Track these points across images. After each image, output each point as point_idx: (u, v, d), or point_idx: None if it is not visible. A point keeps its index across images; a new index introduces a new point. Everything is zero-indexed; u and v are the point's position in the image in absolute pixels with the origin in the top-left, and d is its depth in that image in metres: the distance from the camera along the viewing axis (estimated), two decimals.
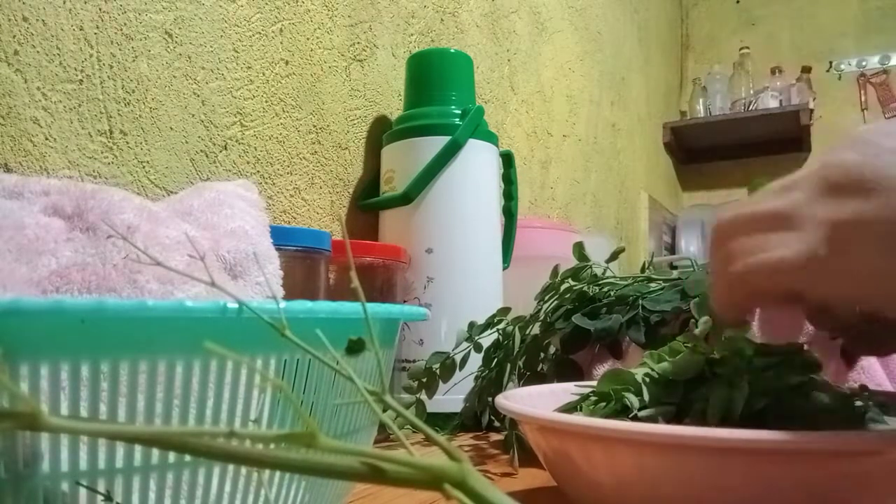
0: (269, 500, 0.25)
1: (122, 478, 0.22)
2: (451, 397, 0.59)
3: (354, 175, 0.81)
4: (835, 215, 0.27)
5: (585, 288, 0.59)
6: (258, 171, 0.68)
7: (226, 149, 0.65)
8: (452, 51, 0.82)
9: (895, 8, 2.36)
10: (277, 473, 0.25)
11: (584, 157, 1.55)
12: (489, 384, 0.58)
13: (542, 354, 0.59)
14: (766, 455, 0.26)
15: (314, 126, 0.75)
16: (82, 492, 0.21)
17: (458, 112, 0.75)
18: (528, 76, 1.27)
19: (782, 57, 2.48)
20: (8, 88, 0.48)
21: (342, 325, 0.26)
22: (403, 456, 0.16)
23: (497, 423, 0.60)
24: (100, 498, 0.21)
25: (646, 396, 0.34)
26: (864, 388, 0.36)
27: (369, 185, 0.81)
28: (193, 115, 0.62)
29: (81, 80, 0.53)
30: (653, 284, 0.58)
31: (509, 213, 0.83)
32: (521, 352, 0.57)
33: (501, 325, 0.59)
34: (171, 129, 0.60)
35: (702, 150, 2.55)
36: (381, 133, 0.82)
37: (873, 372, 0.50)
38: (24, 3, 0.49)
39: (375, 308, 0.29)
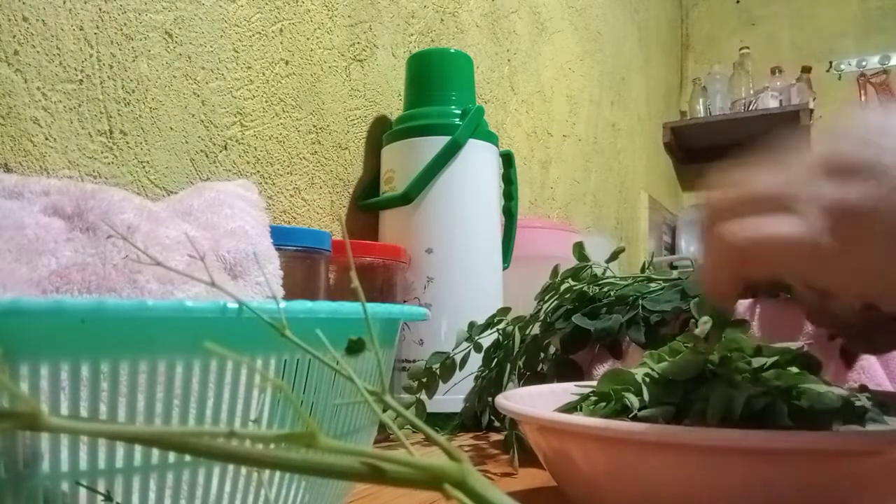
0: (269, 500, 0.25)
1: (122, 478, 0.22)
2: (451, 397, 0.59)
3: (354, 175, 0.81)
4: (840, 200, 0.25)
5: (585, 288, 0.59)
6: (258, 171, 0.68)
7: (226, 149, 0.65)
8: (452, 51, 0.82)
9: (895, 8, 2.36)
10: (277, 473, 0.25)
11: (584, 157, 1.55)
12: (489, 384, 0.58)
13: (542, 354, 0.59)
14: (765, 455, 0.26)
15: (314, 126, 0.75)
16: (82, 492, 0.21)
17: (458, 112, 0.75)
18: (528, 76, 1.27)
19: (782, 57, 2.48)
20: (8, 88, 0.48)
21: (342, 325, 0.26)
22: (403, 456, 0.16)
23: (497, 423, 0.60)
24: (100, 498, 0.21)
25: (646, 396, 0.34)
26: (864, 388, 0.36)
27: (369, 185, 0.82)
28: (193, 115, 0.62)
29: (81, 80, 0.53)
30: (653, 284, 0.58)
31: (509, 213, 0.83)
32: (521, 352, 0.57)
33: (501, 325, 0.59)
34: (171, 129, 0.60)
35: (702, 150, 2.55)
36: (381, 133, 0.82)
37: (873, 372, 0.50)
38: (24, 3, 0.49)
39: (375, 308, 0.29)
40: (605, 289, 0.59)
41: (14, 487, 0.20)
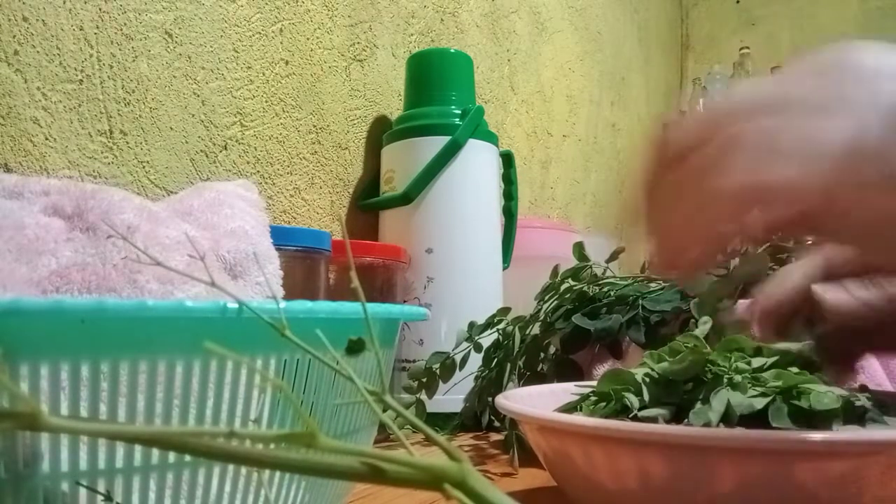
0: (269, 500, 0.25)
1: (122, 478, 0.22)
2: (451, 397, 0.59)
3: (354, 175, 0.81)
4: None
5: (585, 288, 0.59)
6: (258, 171, 0.68)
7: (226, 149, 0.65)
8: (452, 51, 0.82)
9: (895, 8, 2.36)
10: (277, 473, 0.25)
11: (584, 157, 1.55)
12: (489, 384, 0.58)
13: (542, 354, 0.59)
14: (764, 455, 0.26)
15: (314, 126, 0.75)
16: (82, 492, 0.21)
17: (458, 112, 0.75)
18: (528, 76, 1.27)
19: (782, 57, 2.48)
20: (8, 88, 0.48)
21: (342, 325, 0.26)
22: (403, 456, 0.16)
23: (497, 423, 0.60)
24: (100, 498, 0.21)
25: (646, 396, 0.34)
26: (864, 388, 0.36)
27: (369, 185, 0.81)
28: (193, 115, 0.62)
29: (81, 80, 0.53)
30: (653, 284, 0.58)
31: (509, 213, 0.83)
32: (521, 352, 0.57)
33: (501, 325, 0.59)
34: (171, 129, 0.60)
35: None
36: (381, 133, 0.82)
37: (873, 372, 0.50)
38: (24, 3, 0.49)
39: (375, 308, 0.29)
40: (605, 289, 0.59)
41: (14, 487, 0.20)
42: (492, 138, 0.78)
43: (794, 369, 0.33)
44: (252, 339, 0.23)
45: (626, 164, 1.85)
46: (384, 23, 0.87)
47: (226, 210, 0.46)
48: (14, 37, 0.48)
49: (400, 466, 0.15)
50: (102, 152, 0.54)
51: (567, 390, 0.41)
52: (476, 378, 0.60)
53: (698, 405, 0.32)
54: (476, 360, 0.58)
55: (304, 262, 0.54)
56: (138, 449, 0.22)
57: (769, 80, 0.23)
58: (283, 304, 0.23)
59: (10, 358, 0.19)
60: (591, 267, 0.61)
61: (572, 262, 0.62)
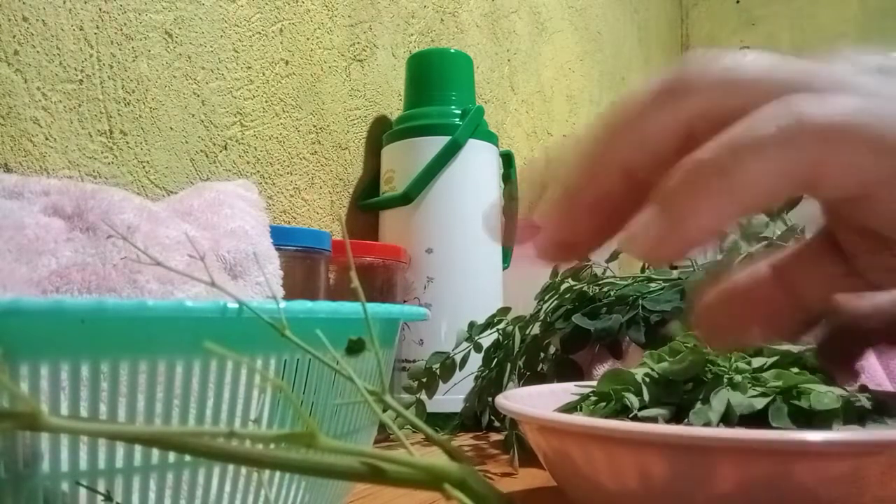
0: (269, 500, 0.25)
1: (122, 478, 0.22)
2: (451, 397, 0.59)
3: (354, 175, 0.81)
4: None
5: (585, 288, 0.59)
6: (258, 171, 0.68)
7: (226, 149, 0.65)
8: (452, 51, 0.82)
9: (895, 8, 2.36)
10: (277, 473, 0.25)
11: None
12: (489, 384, 0.58)
13: (542, 354, 0.59)
14: (764, 455, 0.26)
15: (314, 126, 0.75)
16: (82, 492, 0.21)
17: (458, 112, 0.75)
18: (528, 76, 1.27)
19: None
20: (8, 88, 0.48)
21: (342, 325, 0.26)
22: (403, 456, 0.16)
23: (497, 423, 0.60)
24: (100, 498, 0.21)
25: (646, 396, 0.34)
26: (864, 388, 0.36)
27: (369, 185, 0.82)
28: (193, 115, 0.62)
29: (81, 80, 0.53)
30: (653, 284, 0.58)
31: (509, 213, 0.83)
32: (521, 352, 0.57)
33: (501, 325, 0.59)
34: (171, 129, 0.60)
35: None
36: (381, 133, 0.82)
37: (873, 372, 0.50)
38: (24, 3, 0.49)
39: (375, 308, 0.29)
40: (605, 289, 0.59)
41: (14, 487, 0.20)
42: (492, 138, 0.78)
43: (795, 369, 0.33)
44: (252, 339, 0.23)
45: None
46: (384, 23, 0.87)
47: (226, 210, 0.46)
48: (14, 37, 0.48)
49: (400, 466, 0.15)
50: (102, 152, 0.54)
51: (567, 390, 0.41)
52: (476, 378, 0.60)
53: (698, 405, 0.32)
54: (476, 360, 0.58)
55: (304, 262, 0.54)
56: (138, 449, 0.22)
57: (807, 59, 0.21)
58: (283, 304, 0.23)
59: (10, 358, 0.19)
60: (591, 267, 0.61)
61: (572, 262, 0.62)
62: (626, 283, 0.59)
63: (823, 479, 0.26)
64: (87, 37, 0.53)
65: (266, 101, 0.69)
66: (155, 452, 0.22)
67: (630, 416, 0.34)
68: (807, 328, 0.27)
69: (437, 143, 0.73)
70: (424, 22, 0.95)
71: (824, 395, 0.31)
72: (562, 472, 0.34)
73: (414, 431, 0.20)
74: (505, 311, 0.59)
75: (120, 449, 0.22)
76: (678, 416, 0.33)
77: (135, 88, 0.57)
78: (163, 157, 0.59)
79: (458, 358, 0.56)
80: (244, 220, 0.46)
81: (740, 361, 0.34)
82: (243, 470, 0.24)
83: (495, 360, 0.58)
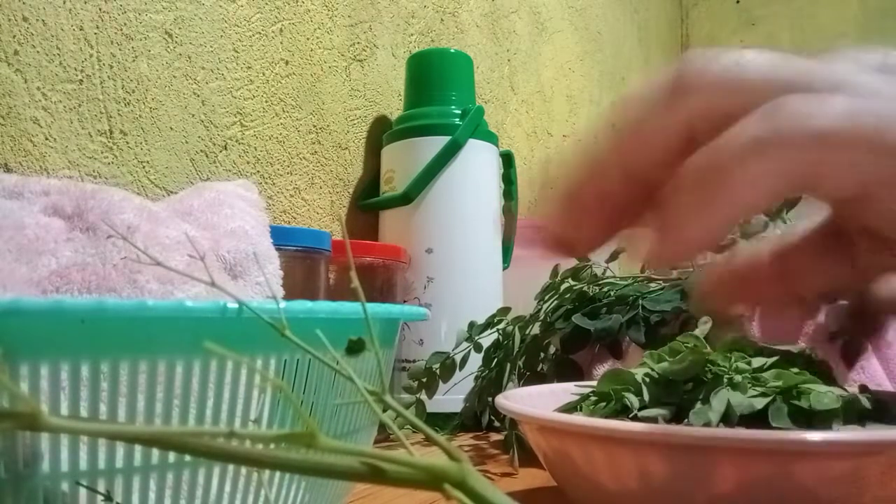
0: (269, 500, 0.25)
1: (122, 478, 0.22)
2: (451, 397, 0.59)
3: (354, 175, 0.81)
4: None
5: (585, 288, 0.59)
6: (258, 171, 0.68)
7: (226, 149, 0.65)
8: (452, 51, 0.82)
9: (895, 8, 2.36)
10: (277, 473, 0.25)
11: None
12: (489, 384, 0.58)
13: (542, 354, 0.59)
14: (764, 455, 0.26)
15: (314, 126, 0.75)
16: (82, 492, 0.21)
17: (458, 112, 0.75)
18: (528, 76, 1.27)
19: None
20: (8, 88, 0.48)
21: (342, 325, 0.26)
22: (403, 456, 0.16)
23: (497, 423, 0.60)
24: (100, 498, 0.21)
25: (646, 396, 0.34)
26: (864, 388, 0.36)
27: (369, 185, 0.82)
28: (193, 115, 0.62)
29: (81, 80, 0.53)
30: (653, 284, 0.58)
31: (509, 213, 0.83)
32: (521, 352, 0.57)
33: (501, 325, 0.59)
34: (171, 129, 0.60)
35: None
36: (381, 133, 0.82)
37: (873, 372, 0.50)
38: (24, 3, 0.49)
39: (375, 308, 0.29)
40: (605, 289, 0.59)
41: (14, 487, 0.20)
42: (492, 138, 0.78)
43: (795, 369, 0.33)
44: (252, 339, 0.23)
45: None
46: (384, 23, 0.87)
47: (226, 210, 0.46)
48: (14, 37, 0.48)
49: (400, 466, 0.15)
50: (102, 152, 0.54)
51: (567, 390, 0.41)
52: (476, 378, 0.60)
53: (698, 405, 0.32)
54: (476, 360, 0.58)
55: (304, 262, 0.54)
56: (138, 449, 0.22)
57: (807, 58, 0.21)
58: (283, 304, 0.23)
59: (10, 358, 0.19)
60: (591, 267, 0.61)
61: (572, 261, 0.62)
62: (626, 283, 0.59)
63: (823, 479, 0.26)
64: (87, 37, 0.53)
65: (266, 101, 0.69)
66: (155, 452, 0.22)
67: (630, 416, 0.34)
68: (802, 311, 0.27)
69: (437, 143, 0.73)
70: (424, 22, 0.95)
71: (824, 395, 0.31)
72: (562, 472, 0.34)
73: (414, 431, 0.20)
74: (505, 311, 0.59)
75: (120, 449, 0.22)
76: (678, 416, 0.33)
77: (135, 88, 0.57)
78: (163, 157, 0.59)
79: (458, 358, 0.56)
80: (244, 220, 0.46)
81: (740, 361, 0.34)
82: (243, 470, 0.24)
83: (495, 360, 0.58)
